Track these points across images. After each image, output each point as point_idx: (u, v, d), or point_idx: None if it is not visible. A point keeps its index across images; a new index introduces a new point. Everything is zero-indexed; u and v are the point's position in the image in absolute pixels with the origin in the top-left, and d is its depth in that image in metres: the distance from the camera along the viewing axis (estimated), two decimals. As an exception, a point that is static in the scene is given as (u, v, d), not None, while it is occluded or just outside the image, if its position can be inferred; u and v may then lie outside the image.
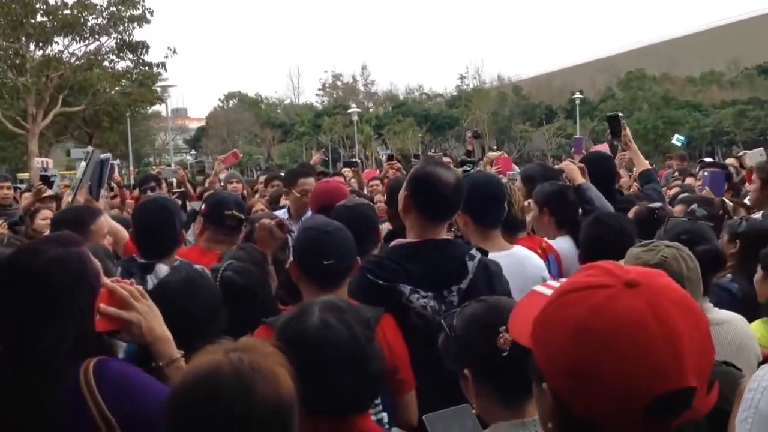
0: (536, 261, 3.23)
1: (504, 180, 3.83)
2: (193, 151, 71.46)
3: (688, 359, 0.94)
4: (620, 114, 5.02)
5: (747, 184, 6.68)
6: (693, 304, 1.01)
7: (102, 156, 4.07)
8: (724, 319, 2.33)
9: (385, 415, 2.26)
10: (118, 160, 21.66)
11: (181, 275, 2.52)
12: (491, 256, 2.78)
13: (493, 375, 1.71)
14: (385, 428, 2.02)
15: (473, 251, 2.69)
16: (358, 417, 1.86)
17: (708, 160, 7.56)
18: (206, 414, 1.25)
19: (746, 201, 5.67)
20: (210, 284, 2.50)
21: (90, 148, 4.33)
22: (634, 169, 7.42)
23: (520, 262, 3.05)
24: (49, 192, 6.10)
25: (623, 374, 0.93)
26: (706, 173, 6.76)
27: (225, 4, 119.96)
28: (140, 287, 2.00)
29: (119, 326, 1.90)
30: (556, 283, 1.20)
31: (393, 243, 2.86)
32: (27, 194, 6.72)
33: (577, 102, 53.52)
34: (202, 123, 73.01)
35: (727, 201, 5.21)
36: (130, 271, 2.99)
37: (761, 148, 6.42)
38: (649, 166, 4.87)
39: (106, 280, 1.96)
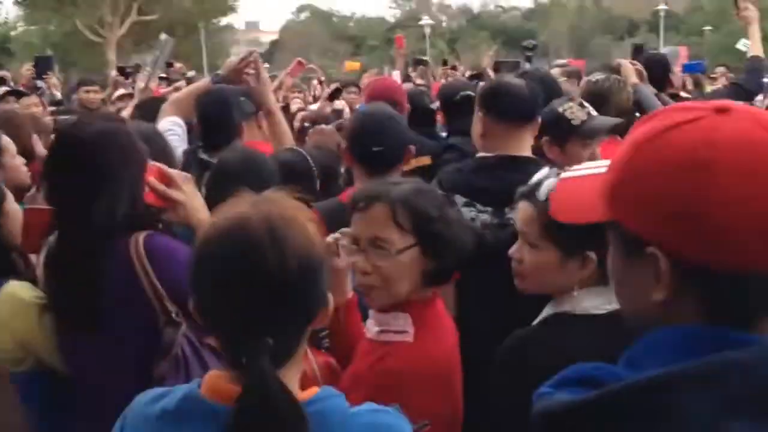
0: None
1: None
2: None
3: None
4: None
5: None
6: None
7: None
8: None
9: None
10: (193, 71, 21.79)
11: (238, 153, 2.58)
12: None
13: None
14: None
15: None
16: None
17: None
18: (235, 262, 1.17)
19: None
20: (266, 163, 2.54)
21: (164, 36, 4.24)
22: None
23: None
24: (122, 91, 6.26)
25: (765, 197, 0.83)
26: None
27: None
28: (185, 173, 2.04)
29: (166, 204, 1.94)
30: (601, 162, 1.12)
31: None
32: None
33: (662, 14, 50.76)
34: (275, 36, 72.76)
35: None
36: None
37: None
38: (761, 54, 4.27)
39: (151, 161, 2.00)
